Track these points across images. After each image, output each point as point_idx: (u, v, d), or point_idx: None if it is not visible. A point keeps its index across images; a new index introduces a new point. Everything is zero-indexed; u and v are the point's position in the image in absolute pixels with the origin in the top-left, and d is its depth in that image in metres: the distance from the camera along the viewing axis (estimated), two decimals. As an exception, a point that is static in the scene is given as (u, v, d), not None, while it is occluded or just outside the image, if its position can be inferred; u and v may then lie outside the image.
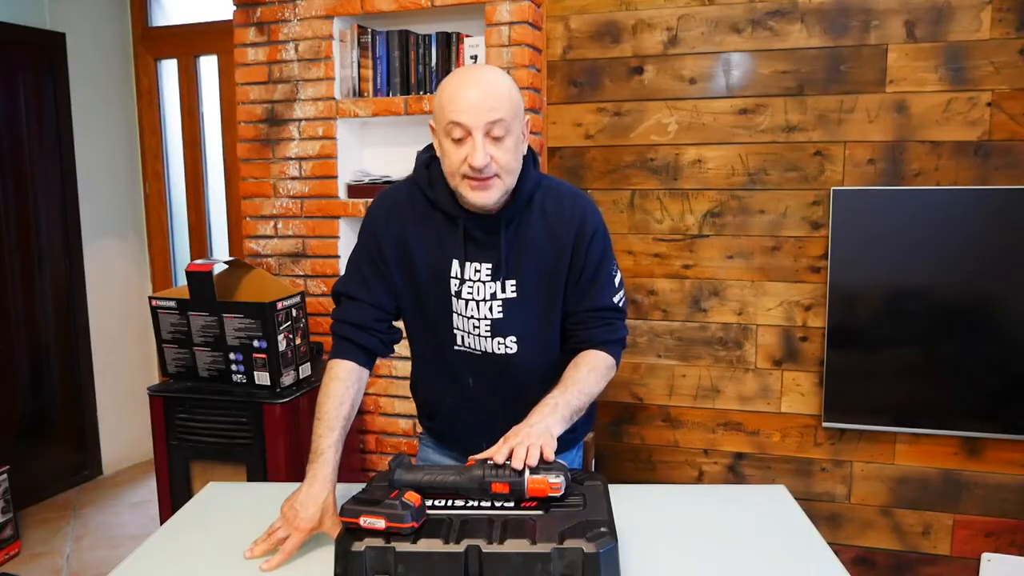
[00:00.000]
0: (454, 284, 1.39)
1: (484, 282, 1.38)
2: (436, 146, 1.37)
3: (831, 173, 2.50)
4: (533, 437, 1.19)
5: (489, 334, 1.40)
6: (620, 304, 1.44)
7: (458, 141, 1.27)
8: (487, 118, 1.25)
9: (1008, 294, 2.35)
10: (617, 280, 1.44)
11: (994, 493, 2.47)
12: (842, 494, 2.60)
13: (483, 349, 1.42)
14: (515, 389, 1.43)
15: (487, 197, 1.29)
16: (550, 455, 1.17)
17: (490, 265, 1.37)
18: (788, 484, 2.53)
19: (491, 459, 1.18)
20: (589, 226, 1.40)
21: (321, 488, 1.27)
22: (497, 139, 1.27)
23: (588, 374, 1.37)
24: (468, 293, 1.38)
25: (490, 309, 1.38)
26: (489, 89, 1.27)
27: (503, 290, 1.38)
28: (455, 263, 1.38)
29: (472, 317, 1.40)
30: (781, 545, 1.28)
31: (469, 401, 1.47)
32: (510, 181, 1.32)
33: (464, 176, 1.28)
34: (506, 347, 1.41)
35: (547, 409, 1.28)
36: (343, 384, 1.38)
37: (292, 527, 1.25)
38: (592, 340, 1.42)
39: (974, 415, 2.42)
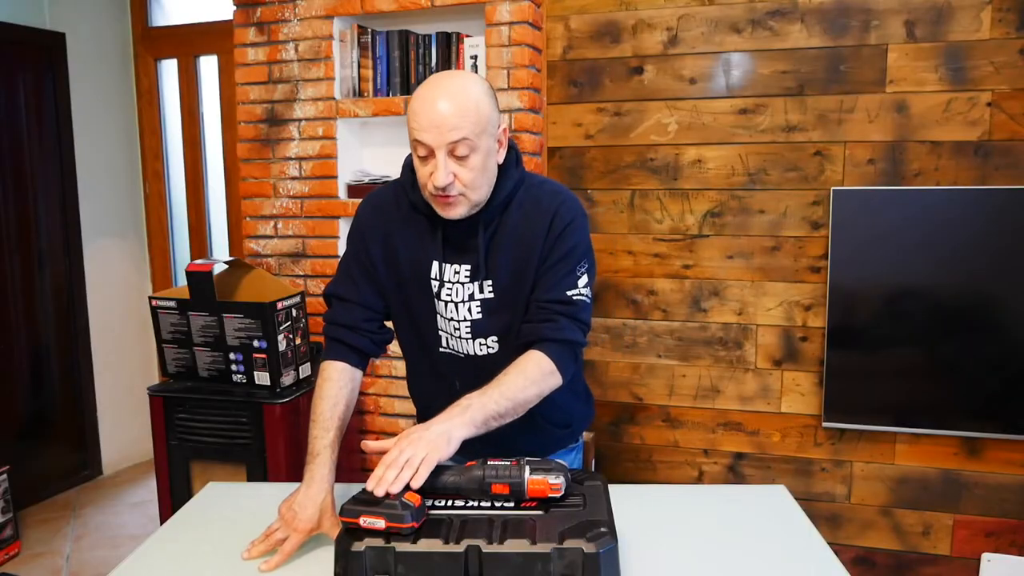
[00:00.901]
0: (435, 286, 1.39)
1: (463, 283, 1.37)
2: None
3: (831, 173, 2.50)
4: (421, 446, 1.14)
5: (470, 335, 1.40)
6: (573, 298, 1.35)
7: (423, 158, 1.27)
8: (449, 138, 1.23)
9: (1008, 294, 2.35)
10: (582, 279, 1.36)
11: (994, 493, 2.47)
12: (842, 494, 2.60)
13: (466, 352, 1.42)
14: None
15: (452, 213, 1.30)
16: (422, 477, 1.11)
17: (469, 267, 1.37)
18: (788, 484, 2.53)
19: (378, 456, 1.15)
20: (560, 220, 1.36)
21: (319, 489, 1.27)
22: (461, 158, 1.25)
23: (516, 377, 1.29)
24: (447, 295, 1.39)
25: (469, 310, 1.38)
26: (455, 105, 1.23)
27: (481, 290, 1.37)
28: (435, 265, 1.38)
29: (452, 319, 1.40)
30: (781, 545, 1.28)
31: None
32: (476, 197, 1.30)
33: (431, 192, 1.29)
34: (488, 347, 1.40)
35: (457, 410, 1.22)
36: (336, 385, 1.38)
37: (291, 528, 1.25)
38: (532, 335, 1.34)
39: (974, 415, 2.42)
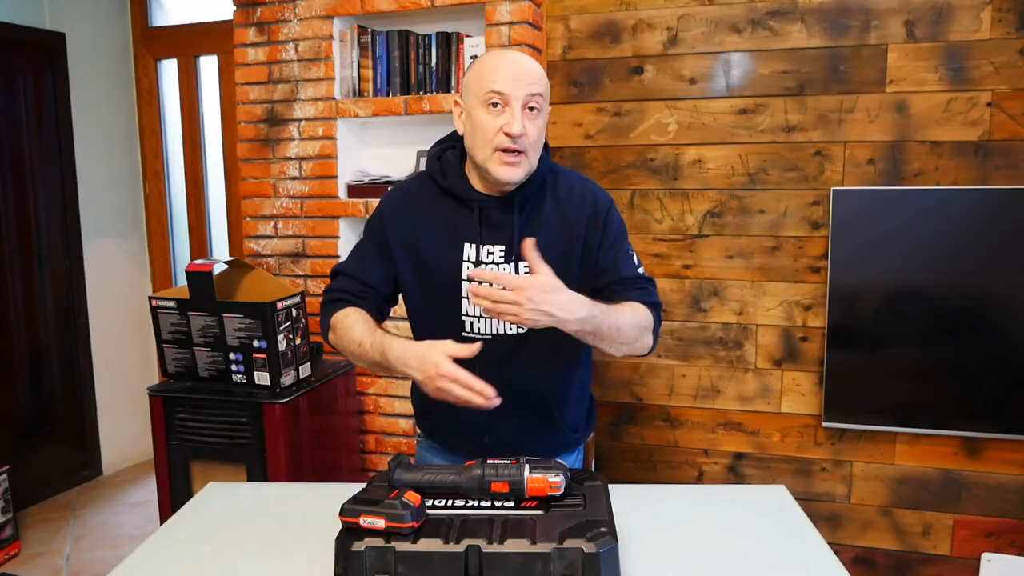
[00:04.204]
0: (467, 268, 1.40)
1: (497, 264, 1.39)
2: (460, 122, 1.38)
3: (831, 173, 2.51)
4: (547, 299, 1.16)
5: None
6: (645, 275, 1.45)
7: (495, 109, 1.30)
8: (528, 90, 1.30)
9: (1008, 294, 2.35)
10: (635, 257, 1.46)
11: (994, 493, 2.47)
12: (842, 494, 2.60)
13: (494, 330, 1.41)
14: (522, 376, 1.42)
15: (514, 173, 1.32)
16: (527, 319, 1.16)
17: (503, 247, 1.39)
18: (788, 484, 2.53)
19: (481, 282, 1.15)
20: (602, 207, 1.42)
21: (406, 341, 1.28)
22: (532, 111, 1.31)
23: (628, 312, 1.33)
24: None
25: (503, 288, 1.38)
26: (530, 66, 1.33)
27: (517, 271, 1.38)
28: (467, 247, 1.40)
29: None
30: (781, 545, 1.28)
31: None
32: (534, 160, 1.35)
33: (496, 149, 1.31)
34: (517, 326, 1.40)
35: (580, 297, 1.23)
36: (351, 316, 1.39)
37: (438, 369, 1.21)
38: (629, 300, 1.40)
39: (974, 415, 2.42)
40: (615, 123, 2.68)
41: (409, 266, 1.44)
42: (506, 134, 1.29)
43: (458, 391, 1.20)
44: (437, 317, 1.45)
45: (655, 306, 1.41)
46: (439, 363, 1.22)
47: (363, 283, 1.45)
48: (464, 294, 1.41)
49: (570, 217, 1.40)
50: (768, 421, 2.65)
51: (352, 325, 1.38)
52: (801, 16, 2.48)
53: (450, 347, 1.23)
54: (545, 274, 1.20)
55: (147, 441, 2.77)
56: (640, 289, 1.41)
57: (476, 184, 1.40)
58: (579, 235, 1.40)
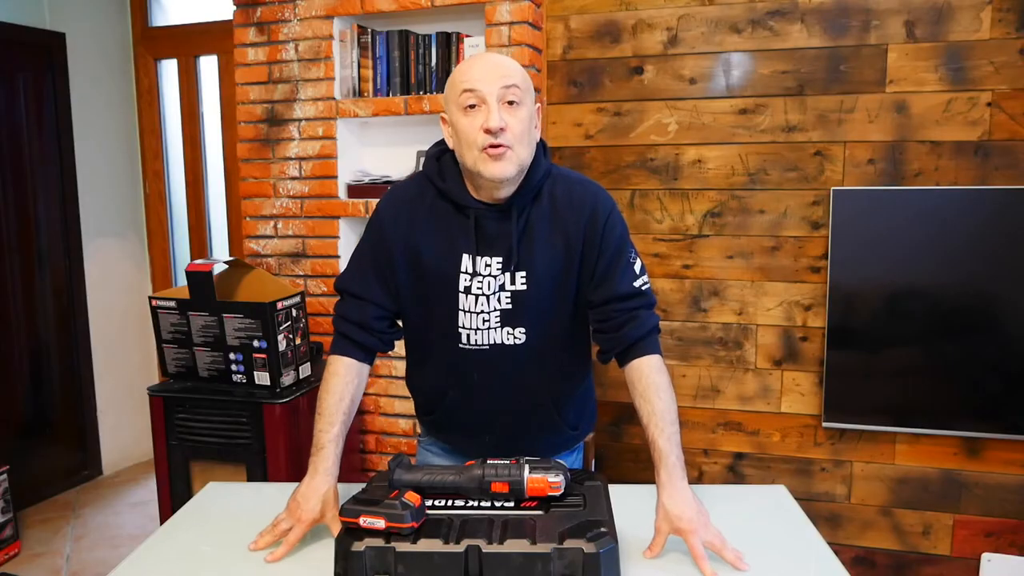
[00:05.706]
0: (464, 279, 1.36)
1: (494, 276, 1.36)
2: (448, 135, 1.36)
3: (831, 173, 2.51)
4: (712, 528, 1.21)
5: (499, 324, 1.38)
6: (643, 288, 1.38)
7: (472, 109, 1.28)
8: (501, 83, 1.27)
9: (1008, 294, 2.35)
10: (637, 266, 1.39)
11: (994, 493, 2.47)
12: (842, 494, 2.60)
13: (491, 342, 1.39)
14: (523, 381, 1.42)
15: (502, 169, 1.27)
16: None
17: (500, 259, 1.35)
18: (788, 484, 2.52)
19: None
20: (601, 213, 1.37)
21: (322, 480, 1.28)
22: (511, 105, 1.28)
23: (664, 398, 1.30)
24: (478, 288, 1.36)
25: (499, 300, 1.36)
26: (501, 60, 1.31)
27: (512, 282, 1.36)
28: (466, 258, 1.36)
29: (482, 312, 1.37)
30: (781, 545, 1.28)
31: (473, 394, 1.45)
32: (524, 155, 1.30)
33: (481, 149, 1.27)
34: (515, 338, 1.38)
35: (674, 471, 1.24)
36: (342, 380, 1.38)
37: (294, 519, 1.26)
38: (621, 343, 1.35)
39: (974, 415, 2.42)
40: (615, 123, 2.68)
41: (408, 273, 1.41)
42: (486, 131, 1.25)
43: (267, 537, 1.27)
44: (433, 328, 1.42)
45: (648, 334, 1.36)
46: (298, 508, 1.27)
47: (369, 301, 1.41)
48: (461, 306, 1.38)
49: (567, 222, 1.36)
50: (768, 421, 2.65)
51: (329, 390, 1.38)
52: (801, 16, 2.48)
53: (327, 517, 1.27)
54: (696, 527, 1.21)
55: (147, 441, 2.77)
56: (631, 320, 1.35)
57: (473, 192, 1.36)
58: (576, 241, 1.36)
